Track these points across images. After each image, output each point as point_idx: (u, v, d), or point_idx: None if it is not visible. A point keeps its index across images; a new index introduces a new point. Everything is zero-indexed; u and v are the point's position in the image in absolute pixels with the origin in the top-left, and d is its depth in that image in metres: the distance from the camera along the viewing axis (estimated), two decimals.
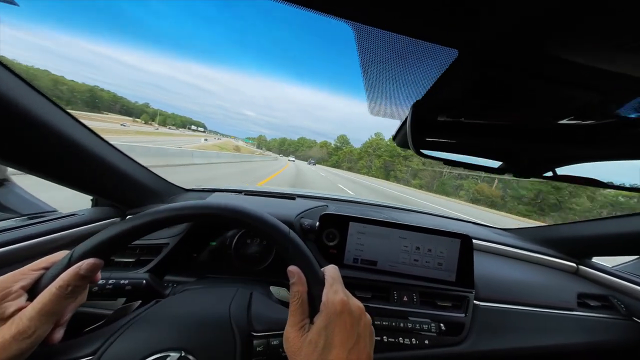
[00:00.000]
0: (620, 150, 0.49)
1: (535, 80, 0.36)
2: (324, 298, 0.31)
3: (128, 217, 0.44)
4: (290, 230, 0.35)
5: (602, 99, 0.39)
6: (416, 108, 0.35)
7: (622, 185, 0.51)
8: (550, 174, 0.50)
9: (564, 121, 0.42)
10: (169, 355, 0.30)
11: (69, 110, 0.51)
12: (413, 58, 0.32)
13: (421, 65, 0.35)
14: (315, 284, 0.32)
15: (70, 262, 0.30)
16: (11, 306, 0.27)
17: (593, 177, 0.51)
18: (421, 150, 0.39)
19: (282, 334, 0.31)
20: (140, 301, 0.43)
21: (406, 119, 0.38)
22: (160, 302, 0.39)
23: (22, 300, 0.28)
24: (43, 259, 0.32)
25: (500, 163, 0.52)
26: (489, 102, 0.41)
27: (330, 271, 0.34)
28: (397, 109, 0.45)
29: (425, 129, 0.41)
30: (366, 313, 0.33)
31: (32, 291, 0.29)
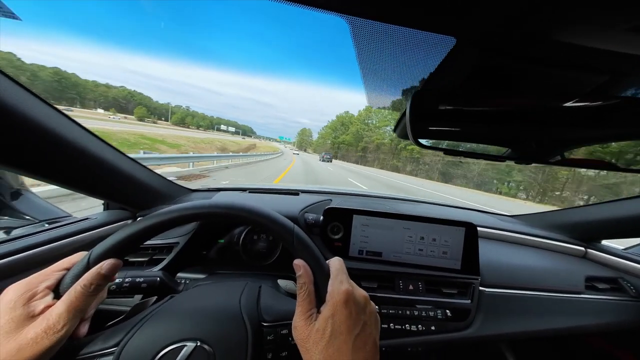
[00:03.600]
0: (627, 130, 0.48)
1: (536, 65, 0.35)
2: (329, 289, 0.32)
3: (139, 218, 0.46)
4: (295, 226, 0.36)
5: (607, 80, 0.38)
6: (416, 98, 0.35)
7: (630, 167, 0.50)
8: (556, 159, 0.49)
9: (569, 104, 0.42)
10: (185, 345, 0.32)
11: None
12: (410, 48, 0.32)
13: (419, 55, 0.34)
14: (321, 276, 0.34)
15: (89, 262, 0.32)
16: (40, 304, 0.29)
17: (601, 160, 0.51)
18: (420, 141, 0.39)
19: (290, 323, 0.32)
20: (156, 297, 0.45)
21: (406, 109, 0.37)
22: (175, 297, 0.41)
23: (49, 298, 0.30)
24: (63, 260, 0.34)
25: (505, 150, 0.51)
26: (491, 89, 0.40)
27: (335, 263, 0.35)
28: (396, 99, 0.45)
29: (426, 119, 0.41)
30: (371, 301, 0.34)
31: (56, 290, 0.31)
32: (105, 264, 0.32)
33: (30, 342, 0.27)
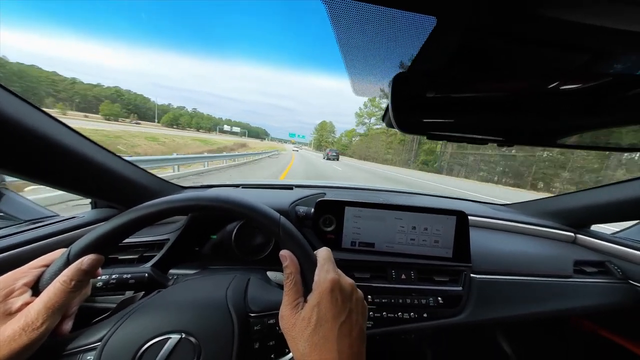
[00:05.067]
0: (620, 113, 0.48)
1: (522, 44, 0.34)
2: (315, 277, 0.32)
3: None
4: (281, 216, 0.36)
5: (596, 58, 0.38)
6: (397, 82, 0.34)
7: (624, 147, 0.50)
8: (547, 142, 0.49)
9: (560, 86, 0.41)
10: (170, 337, 0.31)
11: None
12: (390, 31, 0.32)
13: (400, 39, 0.34)
14: (308, 265, 0.34)
15: (69, 258, 0.31)
16: (17, 301, 0.28)
17: (594, 143, 0.51)
18: (403, 126, 0.38)
19: (278, 313, 0.32)
20: (144, 292, 0.45)
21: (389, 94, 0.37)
22: (161, 292, 0.40)
23: (27, 295, 0.29)
24: (42, 257, 0.33)
25: (493, 135, 0.51)
26: (478, 73, 0.40)
27: (322, 253, 0.35)
28: (382, 87, 0.44)
29: (408, 103, 0.40)
30: (357, 289, 0.34)
31: (35, 287, 0.30)
32: (86, 259, 0.31)
33: (8, 340, 0.26)
